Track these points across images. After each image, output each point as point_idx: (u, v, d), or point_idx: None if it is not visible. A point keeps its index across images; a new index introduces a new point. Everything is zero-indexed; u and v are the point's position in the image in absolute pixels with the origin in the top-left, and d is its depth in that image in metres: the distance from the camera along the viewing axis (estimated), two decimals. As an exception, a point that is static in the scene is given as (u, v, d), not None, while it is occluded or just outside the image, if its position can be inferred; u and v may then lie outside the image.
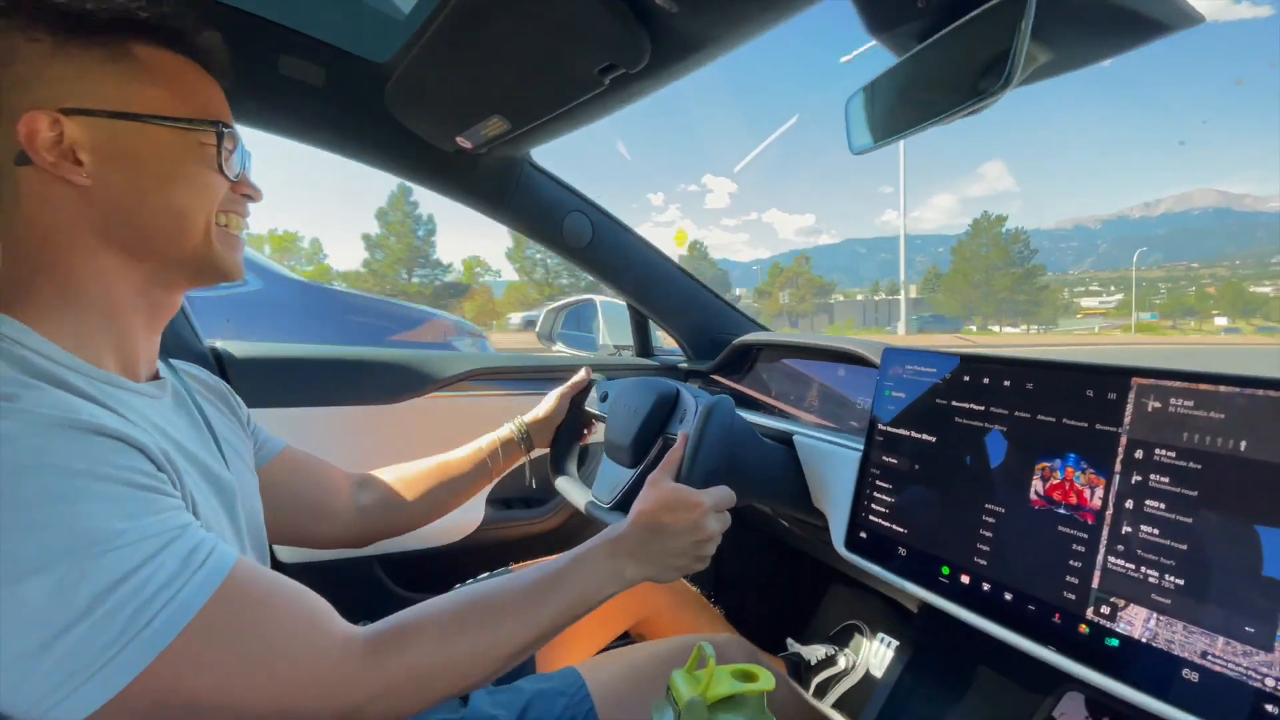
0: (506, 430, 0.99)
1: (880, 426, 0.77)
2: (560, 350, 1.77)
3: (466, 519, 1.21)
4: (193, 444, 0.58)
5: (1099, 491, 0.56)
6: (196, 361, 1.02)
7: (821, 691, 1.20)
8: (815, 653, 1.22)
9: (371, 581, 1.15)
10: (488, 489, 1.24)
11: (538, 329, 1.80)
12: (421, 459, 0.93)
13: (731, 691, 0.49)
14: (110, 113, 0.50)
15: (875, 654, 1.18)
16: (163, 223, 0.54)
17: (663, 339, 1.61)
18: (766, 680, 0.51)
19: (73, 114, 0.49)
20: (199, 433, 0.62)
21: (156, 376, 0.61)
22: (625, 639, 1.08)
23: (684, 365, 1.47)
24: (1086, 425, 0.58)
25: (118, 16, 0.50)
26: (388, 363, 1.17)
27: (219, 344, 1.08)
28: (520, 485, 1.29)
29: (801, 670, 1.23)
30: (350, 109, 0.93)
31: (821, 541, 0.90)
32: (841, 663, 1.21)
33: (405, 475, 0.90)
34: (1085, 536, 0.57)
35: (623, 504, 0.85)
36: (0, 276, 0.51)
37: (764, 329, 1.41)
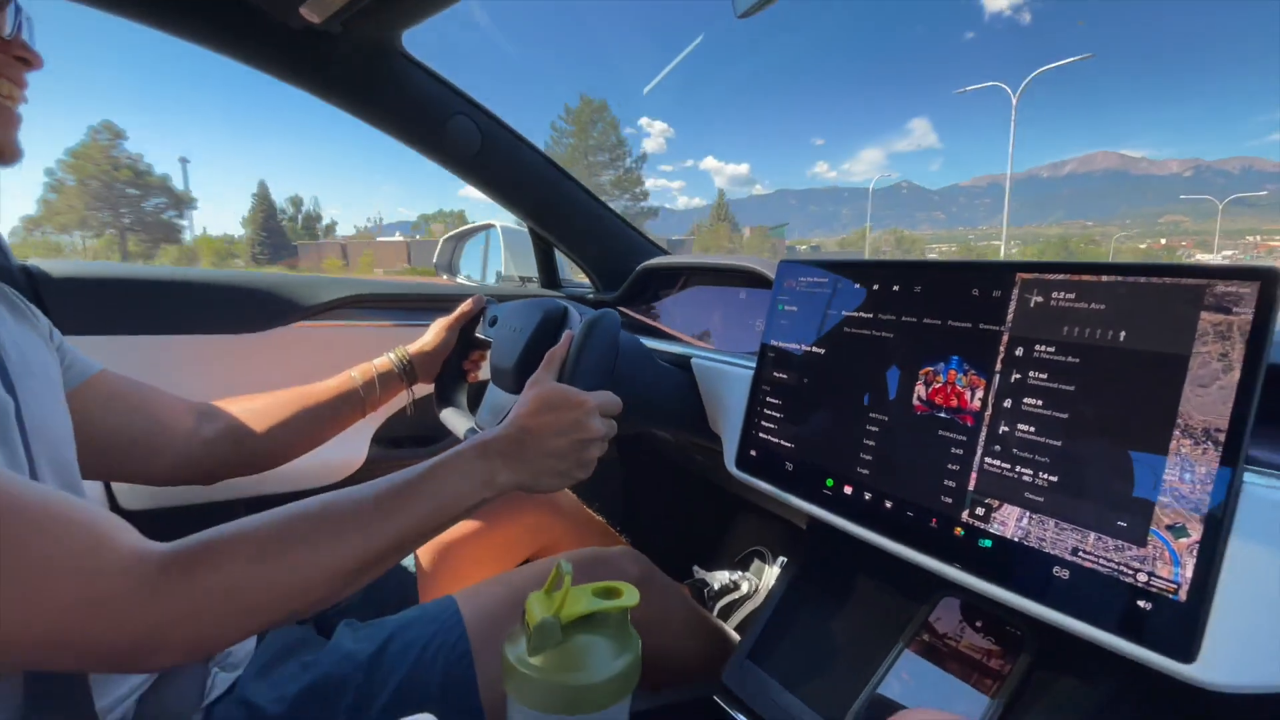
0: (384, 360, 0.90)
1: (772, 342, 0.73)
2: (462, 283, 1.66)
3: (347, 457, 1.11)
4: None
5: (979, 393, 0.54)
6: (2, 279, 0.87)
7: (725, 615, 1.20)
8: (719, 578, 1.22)
9: None
10: (373, 428, 1.15)
11: (435, 259, 1.67)
12: (281, 390, 0.82)
13: (590, 609, 0.44)
14: None
15: (776, 577, 1.19)
16: None
17: (572, 271, 1.53)
18: (630, 595, 0.46)
19: None
20: None
21: None
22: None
23: (591, 295, 1.40)
24: (970, 326, 0.55)
25: None
26: (244, 287, 1.03)
27: (31, 262, 0.92)
28: (411, 422, 1.19)
29: (706, 596, 1.24)
30: None
31: (723, 467, 0.87)
32: (744, 587, 1.21)
33: (258, 405, 0.80)
34: (964, 439, 0.55)
35: None
36: None
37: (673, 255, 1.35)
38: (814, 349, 0.68)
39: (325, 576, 0.48)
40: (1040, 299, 0.52)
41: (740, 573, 1.24)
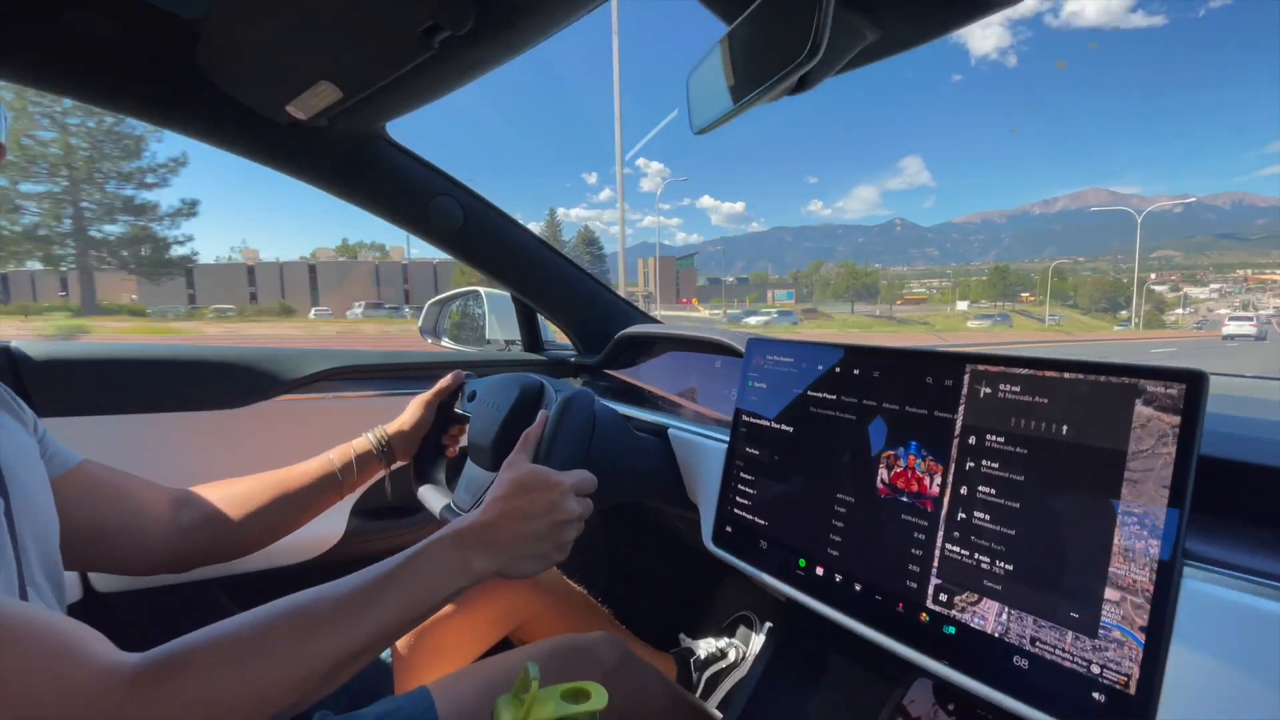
0: (363, 440, 0.90)
1: (743, 418, 0.75)
2: (447, 347, 1.67)
3: (326, 532, 1.11)
4: None
5: (938, 479, 0.56)
6: None
7: (712, 685, 1.19)
8: (705, 647, 1.21)
9: (213, 609, 1.03)
10: (351, 501, 1.15)
11: (420, 324, 1.69)
12: (258, 474, 0.82)
13: (558, 715, 0.45)
14: None
15: (760, 648, 1.18)
16: None
17: (555, 333, 1.55)
18: (599, 698, 0.47)
19: None
20: None
21: None
22: (505, 645, 1.02)
23: (574, 359, 1.42)
24: (927, 413, 0.58)
25: None
26: (226, 362, 1.04)
27: (14, 343, 0.93)
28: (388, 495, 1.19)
29: (692, 665, 1.22)
30: (157, 70, 0.81)
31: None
32: (731, 655, 1.20)
33: (235, 491, 0.80)
34: (925, 524, 0.56)
35: None
36: None
37: (653, 320, 1.38)
38: (783, 426, 0.71)
39: (301, 679, 0.48)
40: (989, 390, 0.54)
41: (727, 639, 1.22)
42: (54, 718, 0.39)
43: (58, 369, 0.93)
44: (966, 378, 0.56)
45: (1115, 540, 0.45)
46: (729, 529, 0.75)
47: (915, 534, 0.57)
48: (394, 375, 1.21)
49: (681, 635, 1.26)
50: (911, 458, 0.58)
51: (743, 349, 0.90)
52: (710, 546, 0.77)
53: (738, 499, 0.74)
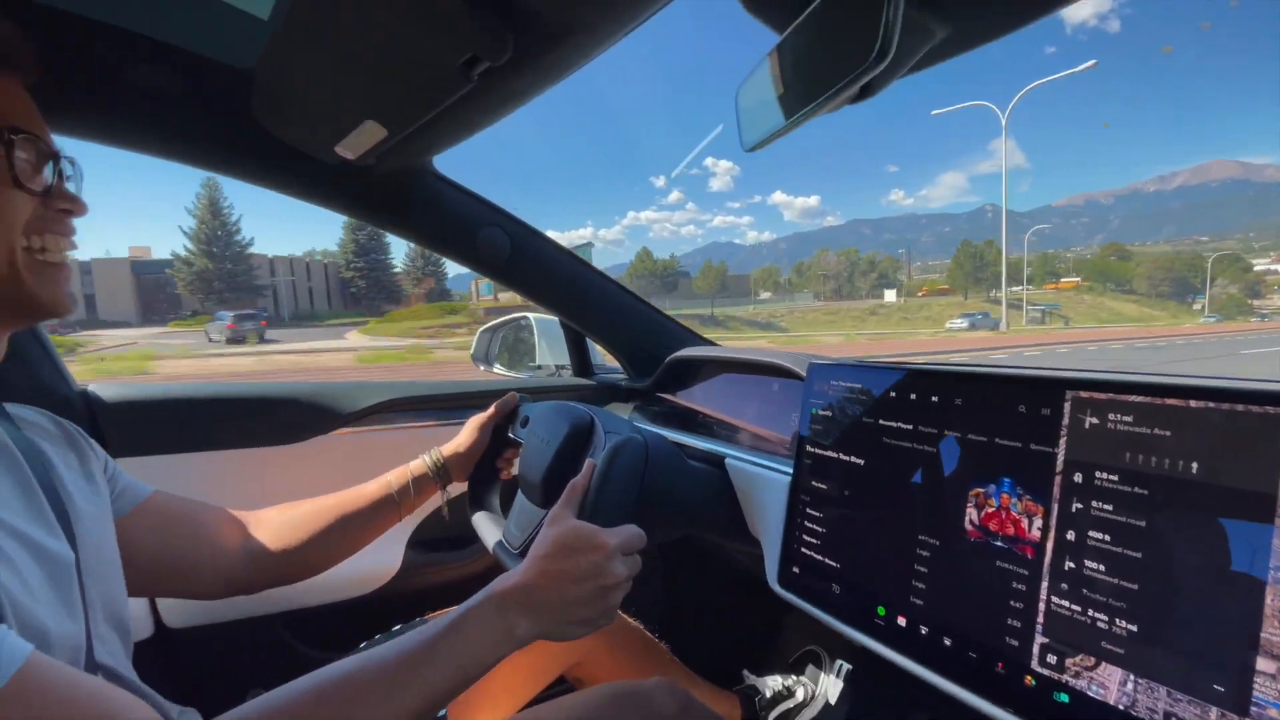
0: (419, 462, 0.90)
1: (808, 448, 0.70)
2: (498, 373, 1.68)
3: (383, 565, 1.11)
4: (13, 512, 0.49)
5: (1037, 521, 0.50)
6: (61, 406, 0.91)
7: (780, 726, 1.12)
8: (772, 684, 1.14)
9: (277, 644, 1.04)
10: (408, 532, 1.15)
11: (472, 352, 1.70)
12: (320, 497, 0.83)
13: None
14: None
15: (835, 683, 1.10)
16: None
17: (605, 355, 1.53)
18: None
19: None
20: (26, 497, 0.53)
21: None
22: (560, 683, 0.99)
23: (624, 383, 1.39)
24: (1020, 445, 0.52)
25: None
26: (286, 399, 1.06)
27: (92, 386, 0.97)
28: (444, 524, 1.19)
29: (758, 705, 1.15)
30: (217, 121, 0.84)
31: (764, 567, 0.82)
32: (799, 694, 1.13)
33: (298, 513, 0.81)
34: (1025, 573, 0.50)
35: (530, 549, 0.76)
36: None
37: (707, 342, 1.34)
38: (853, 458, 0.65)
39: None
40: (1095, 420, 0.48)
41: (794, 677, 1.15)
42: None
43: (129, 410, 0.96)
44: (1067, 406, 0.49)
45: (1268, 601, 0.38)
46: (796, 569, 0.70)
47: (1014, 584, 0.51)
48: (449, 405, 1.21)
49: (745, 672, 1.19)
50: (1005, 496, 0.52)
51: (802, 371, 0.85)
52: (776, 588, 0.71)
53: (805, 537, 0.69)
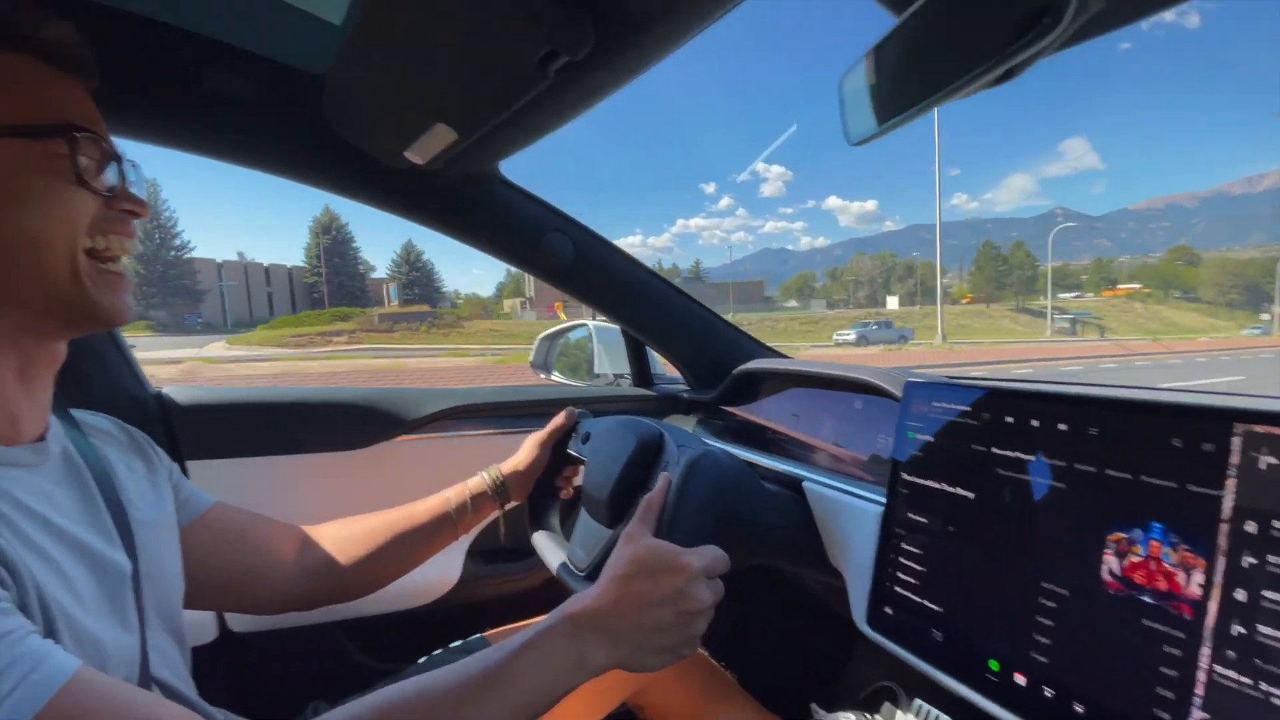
0: (478, 480, 0.88)
1: (904, 477, 0.63)
2: (557, 381, 1.66)
3: (442, 575, 1.09)
4: (71, 520, 0.49)
5: (1197, 576, 0.42)
6: (137, 408, 0.93)
7: (850, 767, 1.04)
8: (843, 721, 1.07)
9: (335, 652, 1.03)
10: (467, 543, 1.13)
11: (531, 359, 1.68)
12: (378, 512, 0.82)
13: None
14: None
15: None
16: (16, 256, 0.45)
17: (664, 365, 1.49)
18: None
19: None
20: (86, 505, 0.52)
21: (43, 437, 0.51)
22: (622, 710, 0.95)
23: (685, 395, 1.34)
24: (1176, 486, 0.44)
25: None
26: (351, 405, 1.06)
27: (166, 389, 0.99)
28: (503, 536, 1.17)
29: (827, 741, 1.08)
30: (288, 126, 0.84)
31: (844, 600, 0.76)
32: (873, 733, 1.05)
33: (355, 530, 0.80)
34: (1181, 636, 0.43)
35: (598, 570, 0.72)
36: None
37: (776, 354, 1.28)
38: (959, 490, 0.58)
39: None
40: (1275, 460, 0.40)
41: (867, 715, 1.08)
42: None
43: (202, 413, 0.98)
44: (1236, 441, 0.42)
45: None
46: (889, 609, 0.63)
47: (1166, 647, 0.43)
48: (509, 413, 1.19)
49: (814, 706, 1.12)
50: (1155, 544, 0.45)
51: (891, 388, 0.78)
52: (865, 629, 0.65)
53: (900, 574, 0.62)
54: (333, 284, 56.12)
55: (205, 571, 0.66)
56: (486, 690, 0.47)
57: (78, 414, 0.60)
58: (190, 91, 0.78)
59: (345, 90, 0.75)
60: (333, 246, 55.76)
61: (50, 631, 0.41)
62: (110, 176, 0.50)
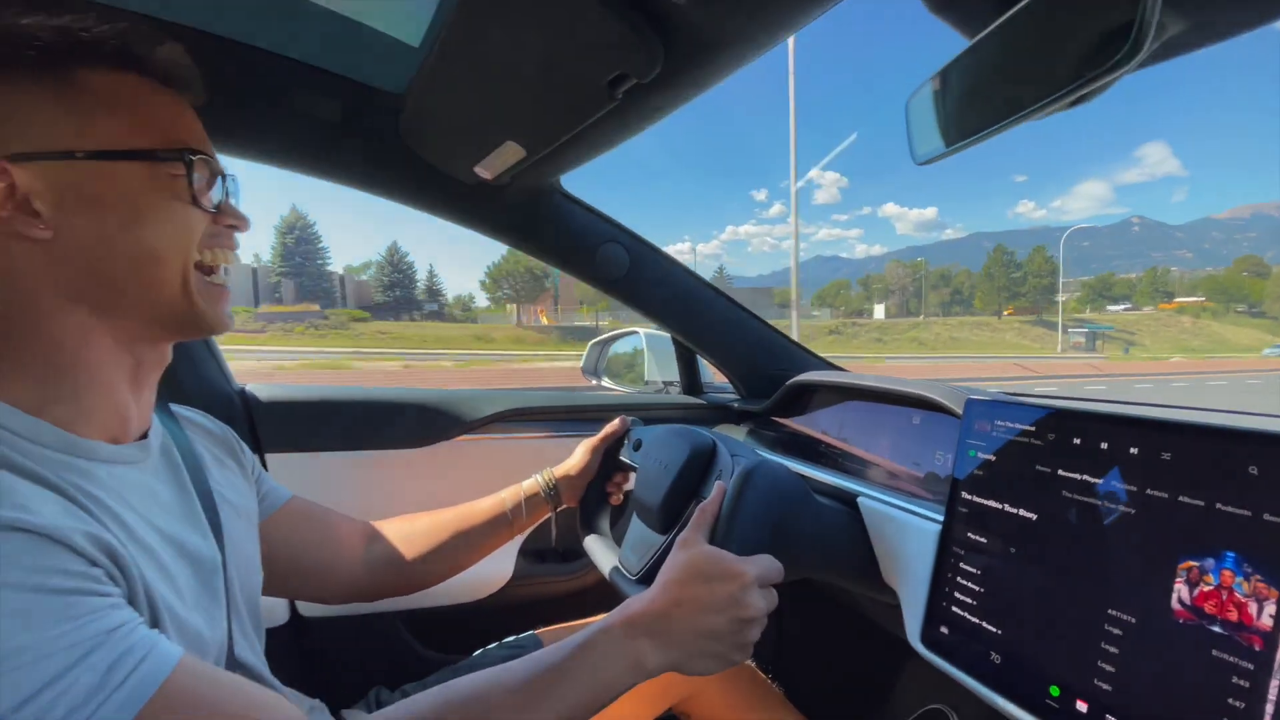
0: (532, 482, 0.91)
1: (964, 495, 0.63)
2: (606, 387, 1.68)
3: (496, 573, 1.13)
4: (169, 515, 0.52)
5: (1269, 607, 0.41)
6: (222, 405, 1.00)
7: (897, 789, 1.03)
8: (889, 741, 1.06)
9: (394, 640, 1.08)
10: (519, 542, 1.16)
11: (582, 365, 1.72)
12: (438, 510, 0.86)
13: None
14: (61, 153, 0.45)
15: None
16: (134, 270, 0.49)
17: (714, 374, 1.50)
18: None
19: (21, 160, 0.44)
20: (182, 498, 0.56)
21: (146, 434, 0.56)
22: (668, 715, 0.96)
23: (736, 404, 1.35)
24: (1251, 514, 0.43)
25: (59, 42, 0.45)
26: (418, 404, 1.11)
27: (249, 386, 1.06)
28: (553, 537, 1.20)
29: (874, 761, 1.07)
30: (367, 142, 0.89)
31: (896, 616, 0.75)
32: (922, 755, 1.03)
33: (417, 528, 0.84)
34: (1250, 667, 0.41)
35: (649, 575, 0.74)
36: None
37: (829, 365, 1.27)
38: (1022, 511, 0.58)
39: None
40: (1367, 492, 0.39)
41: (916, 736, 1.06)
42: None
43: (280, 409, 1.04)
44: (1320, 472, 0.41)
45: None
46: (944, 630, 0.63)
47: (1234, 678, 0.42)
48: (563, 417, 1.23)
49: (860, 722, 1.11)
50: (1227, 574, 0.44)
51: (951, 404, 0.77)
52: (919, 647, 0.65)
53: (957, 594, 0.62)
54: (298, 282, 58.39)
55: (279, 561, 0.71)
56: (547, 688, 0.49)
57: (174, 408, 0.65)
58: (276, 108, 0.83)
59: (421, 109, 0.80)
60: (296, 246, 57.97)
61: (155, 623, 0.44)
62: (217, 193, 0.53)
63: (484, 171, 0.82)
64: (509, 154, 0.77)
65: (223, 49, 0.76)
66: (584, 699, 0.50)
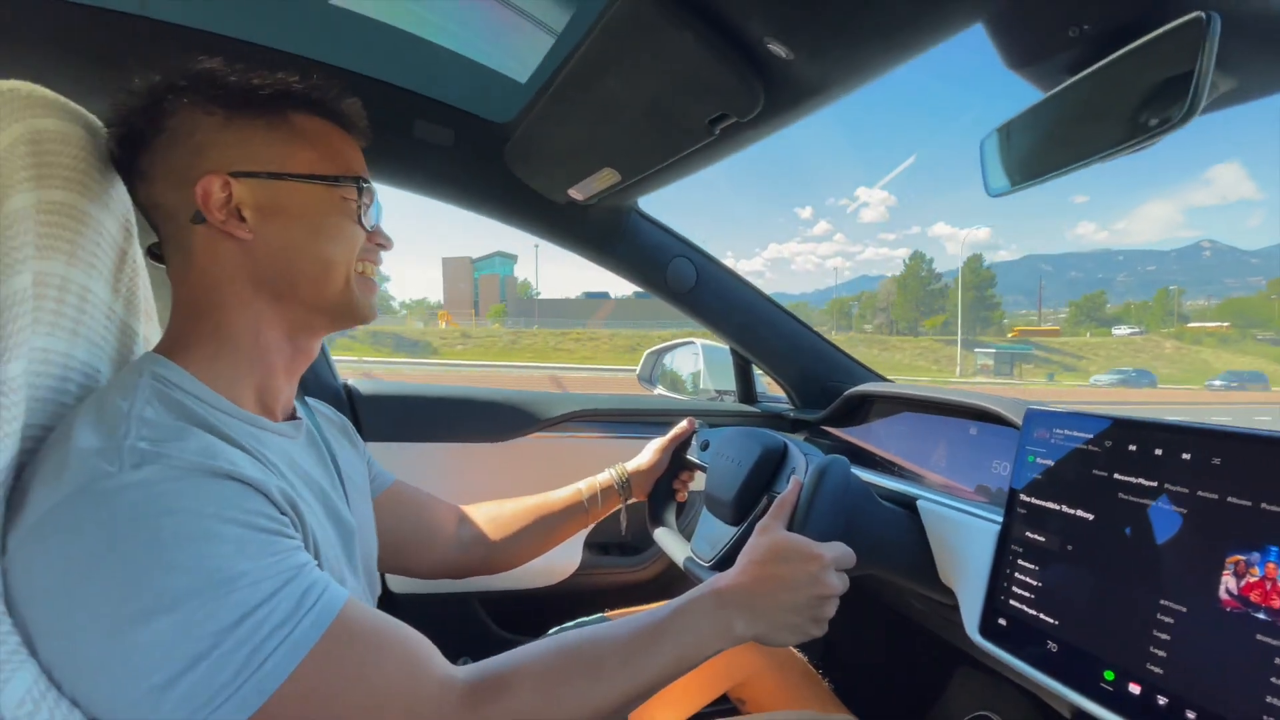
0: (606, 476, 0.99)
1: (1023, 498, 0.68)
2: (661, 394, 1.76)
3: (564, 562, 1.21)
4: (321, 485, 0.61)
5: (1318, 598, 0.46)
6: (330, 397, 1.11)
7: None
8: (937, 745, 1.09)
9: (471, 619, 1.17)
10: (585, 534, 1.25)
11: (638, 372, 1.80)
12: (521, 497, 0.94)
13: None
14: (271, 174, 0.56)
15: None
16: (311, 271, 0.58)
17: (766, 385, 1.56)
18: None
19: (240, 176, 0.55)
20: (327, 472, 0.65)
21: (294, 416, 0.65)
22: (722, 702, 1.02)
23: (790, 414, 1.41)
24: (1296, 514, 0.48)
25: (278, 91, 0.56)
26: (499, 402, 1.21)
27: (350, 381, 1.17)
28: (617, 530, 1.27)
29: (922, 763, 1.10)
30: (474, 167, 0.99)
31: (947, 620, 0.80)
32: (969, 761, 1.07)
33: (504, 512, 0.92)
34: (1298, 654, 0.46)
35: (722, 563, 0.81)
36: (170, 324, 0.57)
37: (880, 378, 1.33)
38: (1078, 512, 0.63)
39: (593, 709, 0.52)
40: (1402, 495, 0.44)
41: (964, 740, 1.09)
42: (405, 718, 0.46)
43: (378, 403, 1.15)
44: (1361, 478, 0.45)
45: None
46: (1002, 621, 0.68)
47: (1277, 659, 0.47)
48: (630, 420, 1.31)
49: (910, 726, 1.15)
50: (1271, 566, 0.49)
51: (1011, 416, 0.83)
52: (977, 638, 0.70)
53: (1015, 589, 0.67)
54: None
55: (384, 534, 0.79)
56: (651, 641, 0.56)
57: (308, 399, 0.75)
58: (400, 136, 0.95)
59: (525, 139, 0.90)
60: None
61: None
62: (374, 217, 0.64)
63: (577, 193, 0.92)
64: (604, 179, 0.85)
65: (362, 86, 0.87)
66: (678, 655, 0.56)
